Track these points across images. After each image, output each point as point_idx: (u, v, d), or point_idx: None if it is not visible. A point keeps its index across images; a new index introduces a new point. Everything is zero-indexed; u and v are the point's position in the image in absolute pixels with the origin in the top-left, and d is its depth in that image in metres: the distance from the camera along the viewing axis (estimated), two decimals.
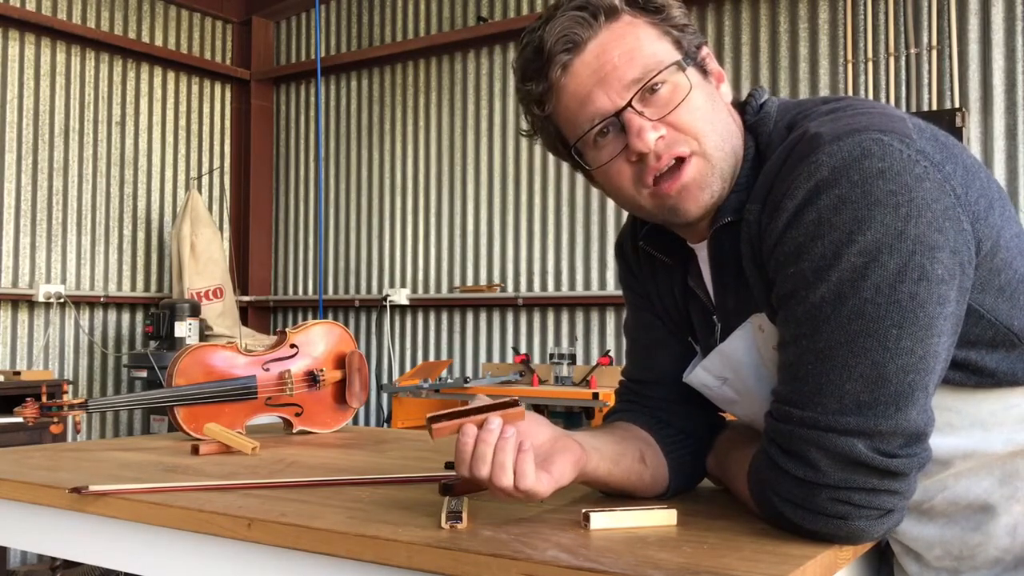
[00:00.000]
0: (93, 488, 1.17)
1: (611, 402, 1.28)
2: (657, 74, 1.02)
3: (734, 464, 1.12)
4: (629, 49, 1.02)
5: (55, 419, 1.68)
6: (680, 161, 1.03)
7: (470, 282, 4.77)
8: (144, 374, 4.26)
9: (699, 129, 1.03)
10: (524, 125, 1.15)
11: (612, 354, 4.16)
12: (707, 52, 1.10)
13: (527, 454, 0.96)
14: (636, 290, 1.27)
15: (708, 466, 1.22)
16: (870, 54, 3.77)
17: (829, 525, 0.93)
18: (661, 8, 1.05)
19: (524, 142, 4.64)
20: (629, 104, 1.02)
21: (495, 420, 0.97)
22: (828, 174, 0.92)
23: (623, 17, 1.04)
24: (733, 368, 1.10)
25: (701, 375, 1.14)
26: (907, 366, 0.90)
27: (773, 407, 0.99)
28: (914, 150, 0.93)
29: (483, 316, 4.74)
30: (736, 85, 4.05)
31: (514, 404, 0.98)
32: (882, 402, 0.90)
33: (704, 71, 1.08)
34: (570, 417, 3.89)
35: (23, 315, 4.53)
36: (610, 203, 4.35)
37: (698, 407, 1.21)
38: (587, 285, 4.43)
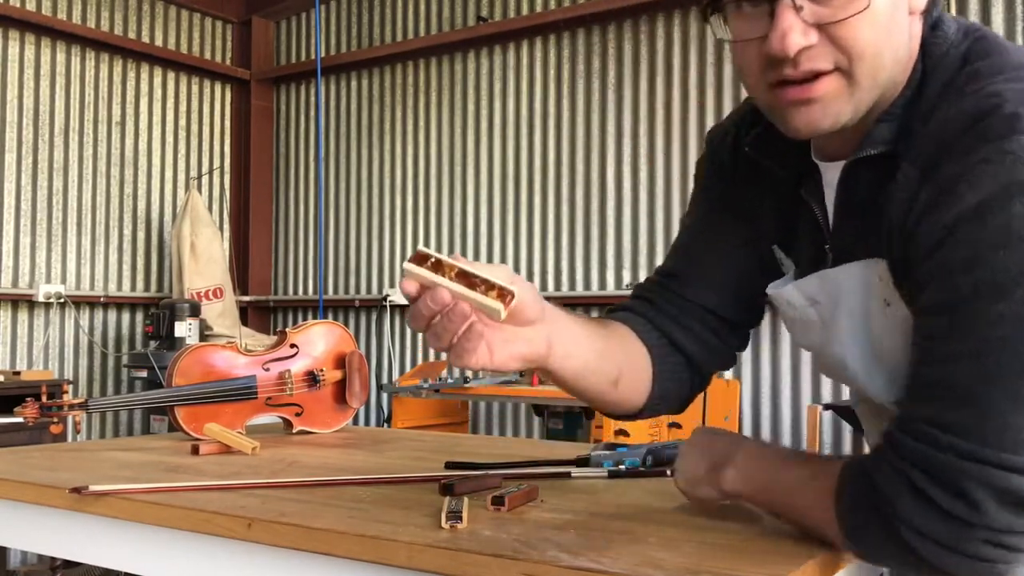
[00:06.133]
0: (93, 488, 1.17)
1: None
2: None
3: (802, 485, 0.93)
4: None
5: (55, 419, 1.68)
6: (816, 75, 0.89)
7: None
8: (144, 374, 4.26)
9: (860, 51, 0.88)
10: None
11: None
12: None
13: (474, 332, 0.88)
14: (716, 192, 1.17)
15: (724, 482, 1.00)
16: None
17: (974, 570, 0.81)
18: None
19: (524, 142, 4.65)
20: None
21: (459, 309, 0.87)
22: None
23: None
24: (831, 295, 1.00)
25: (791, 292, 1.05)
26: None
27: (914, 426, 0.83)
28: None
29: None
30: (736, 86, 4.05)
31: (508, 295, 0.88)
32: None
33: None
34: (570, 417, 3.89)
35: (23, 315, 4.53)
36: (610, 203, 4.35)
37: (724, 331, 1.15)
38: (587, 285, 4.43)
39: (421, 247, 0.88)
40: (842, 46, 0.88)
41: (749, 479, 0.98)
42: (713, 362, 1.18)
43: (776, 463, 0.98)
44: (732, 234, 1.15)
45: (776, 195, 1.09)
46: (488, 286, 0.87)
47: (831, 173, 1.00)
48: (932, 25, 0.94)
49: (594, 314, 4.42)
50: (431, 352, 4.89)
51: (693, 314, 1.16)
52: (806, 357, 3.86)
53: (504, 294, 0.88)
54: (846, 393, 3.66)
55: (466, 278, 0.87)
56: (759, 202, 1.11)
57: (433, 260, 0.88)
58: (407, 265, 0.88)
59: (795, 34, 0.87)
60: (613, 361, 1.07)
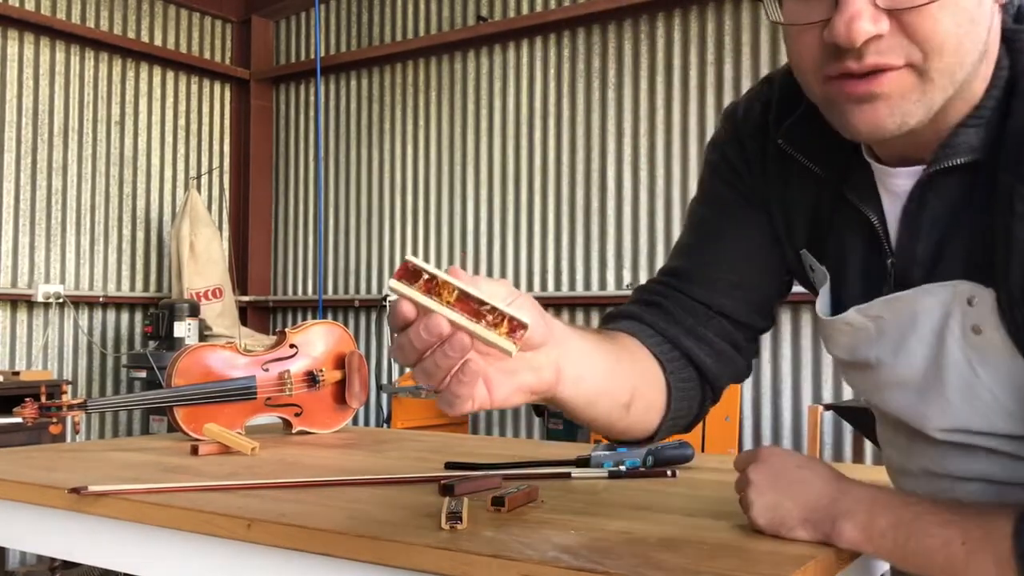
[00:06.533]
0: (92, 488, 1.16)
1: None
2: None
3: (960, 552, 0.82)
4: None
5: (54, 419, 1.68)
6: (883, 70, 0.78)
7: None
8: (143, 374, 4.26)
9: (939, 44, 0.76)
10: None
11: None
12: None
13: (469, 372, 0.75)
14: (735, 181, 1.03)
15: (839, 539, 0.88)
16: None
17: None
18: None
19: (524, 141, 4.64)
20: None
21: (459, 342, 0.73)
22: None
23: None
24: (902, 314, 0.89)
25: (853, 317, 0.93)
26: None
27: None
28: None
29: None
30: (736, 86, 4.05)
31: (520, 329, 0.73)
32: None
33: None
34: None
35: (22, 315, 4.53)
36: (610, 203, 4.35)
37: (739, 338, 1.03)
38: (587, 285, 4.43)
39: (410, 257, 0.73)
40: (918, 38, 0.76)
41: (877, 537, 0.86)
42: (727, 375, 1.07)
43: (911, 522, 0.85)
44: (752, 230, 1.03)
45: (811, 193, 0.97)
46: (497, 316, 0.72)
47: (895, 180, 0.89)
48: (1015, 16, 0.85)
49: (594, 315, 4.42)
50: None
51: (706, 320, 1.04)
52: (807, 357, 3.86)
53: (515, 327, 0.72)
54: (847, 393, 3.66)
55: (468, 303, 0.72)
56: (788, 199, 1.00)
57: (427, 277, 0.72)
58: (395, 284, 0.72)
59: (864, 20, 0.75)
60: (625, 381, 0.95)
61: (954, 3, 0.76)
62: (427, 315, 0.72)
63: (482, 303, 0.72)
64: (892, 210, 0.91)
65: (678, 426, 1.06)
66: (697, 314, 1.04)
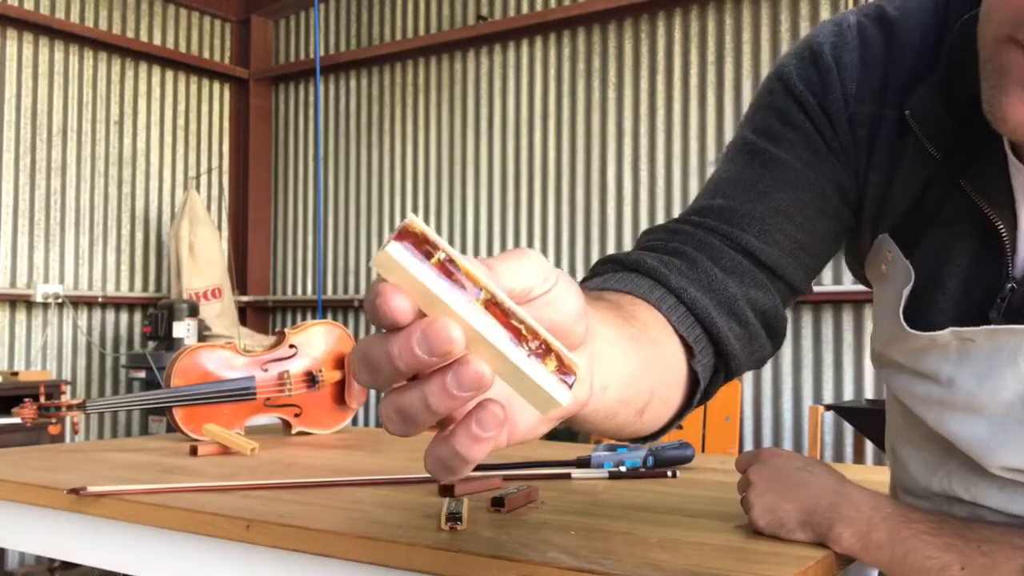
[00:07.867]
0: (91, 489, 1.16)
1: None
2: None
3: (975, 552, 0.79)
4: None
5: (53, 420, 1.68)
6: None
7: None
8: (142, 375, 4.25)
9: None
10: None
11: None
12: None
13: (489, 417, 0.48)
14: (830, 139, 0.84)
15: (835, 543, 0.86)
16: None
17: None
18: None
19: (524, 141, 4.63)
20: None
21: (472, 374, 0.44)
22: None
23: None
24: (1000, 347, 0.77)
25: (946, 337, 0.79)
26: None
27: None
28: None
29: None
30: (737, 85, 4.05)
31: (568, 371, 0.45)
32: None
33: None
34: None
35: (21, 315, 4.53)
36: (610, 203, 4.34)
37: (775, 309, 0.86)
38: None
39: (411, 219, 0.43)
40: None
41: (874, 549, 0.84)
42: (752, 363, 0.88)
43: (909, 539, 0.81)
44: (837, 191, 0.85)
45: (920, 177, 0.82)
46: (540, 346, 0.44)
47: None
48: None
49: None
50: None
51: (749, 280, 0.83)
52: (808, 357, 3.85)
53: (566, 370, 0.45)
54: (848, 393, 3.66)
55: (501, 313, 0.43)
56: (894, 178, 0.83)
57: (443, 256, 0.42)
58: (397, 251, 0.42)
59: None
60: (646, 382, 0.70)
61: None
62: (429, 319, 0.43)
63: (520, 320, 0.44)
64: None
65: (682, 417, 0.85)
66: (739, 271, 0.83)
